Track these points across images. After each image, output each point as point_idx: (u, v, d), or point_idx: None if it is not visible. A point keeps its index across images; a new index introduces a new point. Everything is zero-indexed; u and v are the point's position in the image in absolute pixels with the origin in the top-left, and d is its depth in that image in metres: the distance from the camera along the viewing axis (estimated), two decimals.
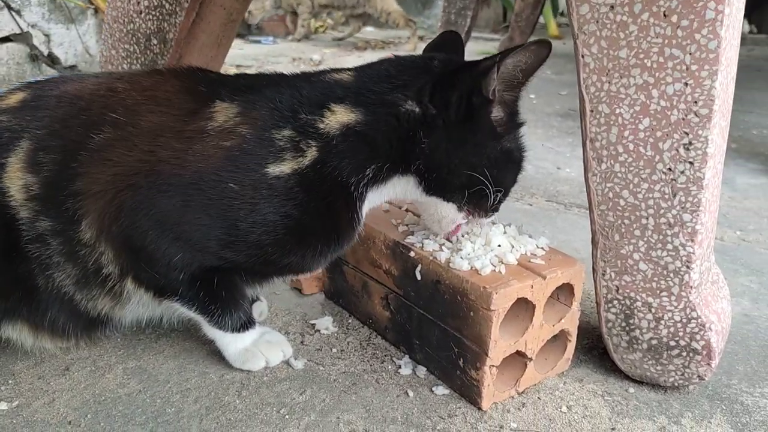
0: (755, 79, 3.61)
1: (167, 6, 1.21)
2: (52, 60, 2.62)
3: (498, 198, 0.91)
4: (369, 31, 5.80)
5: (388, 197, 0.95)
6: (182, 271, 0.87)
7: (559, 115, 2.75)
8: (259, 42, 5.22)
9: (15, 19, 2.47)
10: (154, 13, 1.23)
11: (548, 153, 2.20)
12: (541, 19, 4.73)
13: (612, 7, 0.84)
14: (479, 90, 0.85)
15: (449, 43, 1.01)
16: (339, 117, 0.86)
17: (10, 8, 2.46)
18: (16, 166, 0.86)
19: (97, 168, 0.84)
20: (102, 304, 0.92)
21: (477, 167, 0.88)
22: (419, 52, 1.02)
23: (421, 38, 5.49)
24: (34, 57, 2.55)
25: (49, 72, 2.58)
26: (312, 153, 0.85)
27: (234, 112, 0.87)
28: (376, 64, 0.93)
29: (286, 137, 0.85)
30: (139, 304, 0.94)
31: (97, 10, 2.74)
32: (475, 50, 4.45)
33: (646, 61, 0.84)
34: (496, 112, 0.87)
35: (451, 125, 0.86)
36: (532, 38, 4.35)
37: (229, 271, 0.90)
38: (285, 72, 0.96)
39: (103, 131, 0.86)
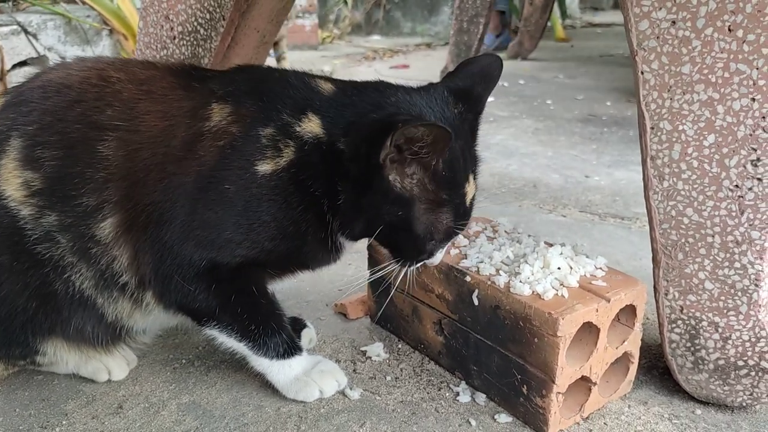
0: None
1: (202, 32, 1.20)
2: None
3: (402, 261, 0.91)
4: (376, 40, 5.79)
5: None
6: (208, 275, 0.86)
7: (579, 121, 2.72)
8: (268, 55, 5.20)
9: (32, 43, 2.47)
10: (188, 38, 1.21)
11: (574, 161, 2.17)
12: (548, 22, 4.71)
13: (673, 22, 0.82)
14: (377, 151, 0.79)
15: (474, 70, 0.92)
16: (312, 126, 0.85)
17: (26, 32, 2.46)
18: (10, 165, 0.84)
19: (113, 173, 0.84)
20: (123, 308, 0.91)
21: (370, 227, 0.87)
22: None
23: (428, 45, 5.49)
24: None
25: None
26: (288, 154, 0.84)
27: (227, 111, 0.86)
28: (351, 86, 0.90)
29: (269, 135, 0.85)
30: (161, 315, 0.94)
31: (112, 31, 2.74)
32: None
33: (710, 76, 0.81)
34: (405, 177, 0.82)
35: (356, 176, 0.83)
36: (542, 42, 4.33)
37: (251, 270, 0.89)
38: (277, 68, 0.95)
39: (106, 134, 0.85)
